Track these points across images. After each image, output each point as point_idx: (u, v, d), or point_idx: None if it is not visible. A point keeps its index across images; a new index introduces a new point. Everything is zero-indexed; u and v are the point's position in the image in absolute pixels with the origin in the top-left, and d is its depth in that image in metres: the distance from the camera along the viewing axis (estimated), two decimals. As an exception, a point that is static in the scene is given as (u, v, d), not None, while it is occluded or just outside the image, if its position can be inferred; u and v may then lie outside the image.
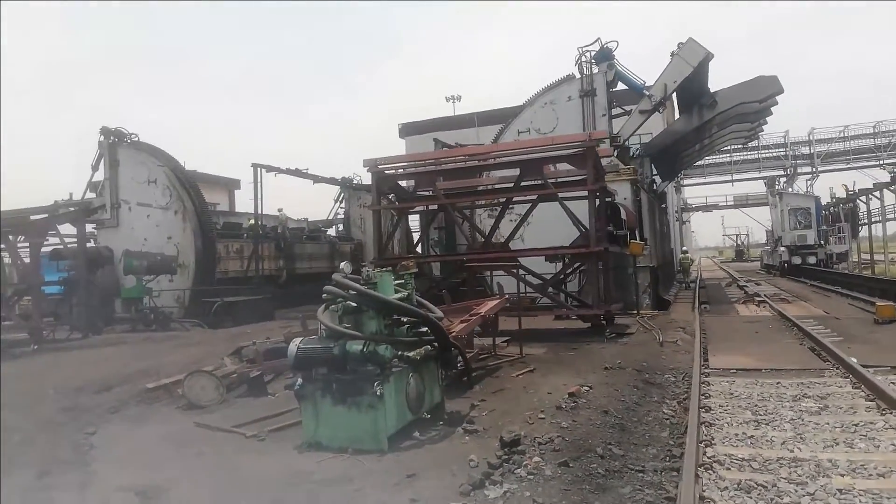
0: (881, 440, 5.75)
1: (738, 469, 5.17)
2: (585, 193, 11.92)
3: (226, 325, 19.42)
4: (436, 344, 6.23)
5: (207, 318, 19.80)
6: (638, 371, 8.61)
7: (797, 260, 31.87)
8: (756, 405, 7.17)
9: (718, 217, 78.71)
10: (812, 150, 51.21)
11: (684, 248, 33.20)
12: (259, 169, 23.37)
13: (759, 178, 53.63)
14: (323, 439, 5.79)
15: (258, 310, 21.01)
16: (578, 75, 18.01)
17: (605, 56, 17.61)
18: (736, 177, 53.19)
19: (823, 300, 19.35)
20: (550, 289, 12.54)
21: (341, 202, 37.97)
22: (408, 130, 47.40)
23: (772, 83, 19.84)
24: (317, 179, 29.00)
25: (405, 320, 6.15)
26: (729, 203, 60.39)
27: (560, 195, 12.33)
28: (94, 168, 23.37)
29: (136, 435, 6.77)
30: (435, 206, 14.01)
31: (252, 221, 31.03)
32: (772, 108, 22.30)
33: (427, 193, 13.45)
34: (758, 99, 20.14)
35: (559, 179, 12.57)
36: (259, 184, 23.40)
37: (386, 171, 13.12)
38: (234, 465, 5.56)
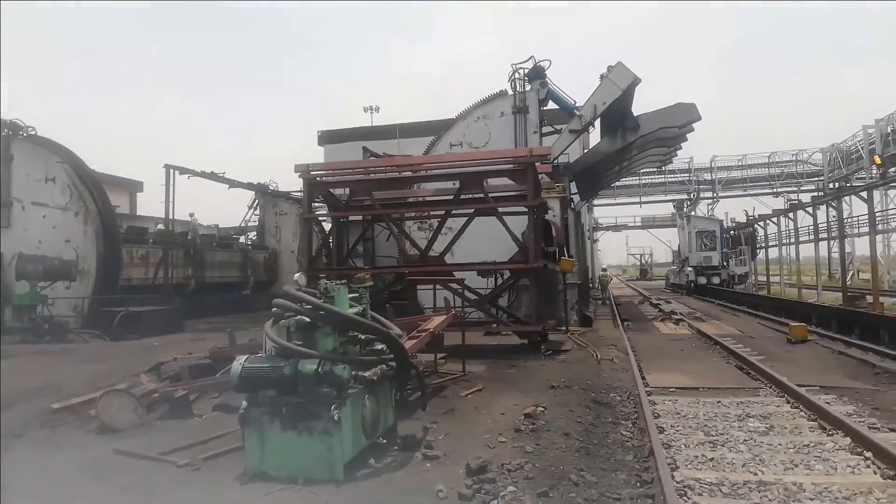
0: (836, 462, 5.81)
1: (711, 495, 5.05)
2: (523, 209, 11.85)
3: (130, 336, 18.01)
4: (393, 363, 5.80)
5: (109, 329, 18.29)
6: (584, 390, 8.49)
7: (703, 280, 33.43)
8: (705, 425, 7.16)
9: (623, 237, 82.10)
10: (714, 177, 54.22)
11: (604, 266, 34.19)
12: (171, 171, 21.97)
13: (666, 201, 56.39)
14: (269, 468, 5.22)
15: (166, 321, 19.64)
16: (511, 91, 18.10)
17: (537, 74, 17.79)
18: (644, 199, 55.56)
19: (734, 319, 20.23)
20: (487, 304, 12.32)
21: (256, 209, 36.60)
22: (328, 138, 46.34)
23: (690, 110, 20.66)
24: (232, 184, 27.76)
25: (362, 337, 5.68)
26: (637, 224, 62.99)
27: (499, 210, 12.20)
28: (-18, 163, 21.24)
29: (48, 464, 5.91)
30: (369, 217, 13.54)
31: (159, 226, 29.37)
32: (686, 135, 23.31)
33: (361, 203, 12.94)
34: (677, 125, 20.92)
35: (498, 194, 12.41)
36: (171, 186, 21.96)
37: (319, 178, 12.55)
38: (167, 500, 4.90)
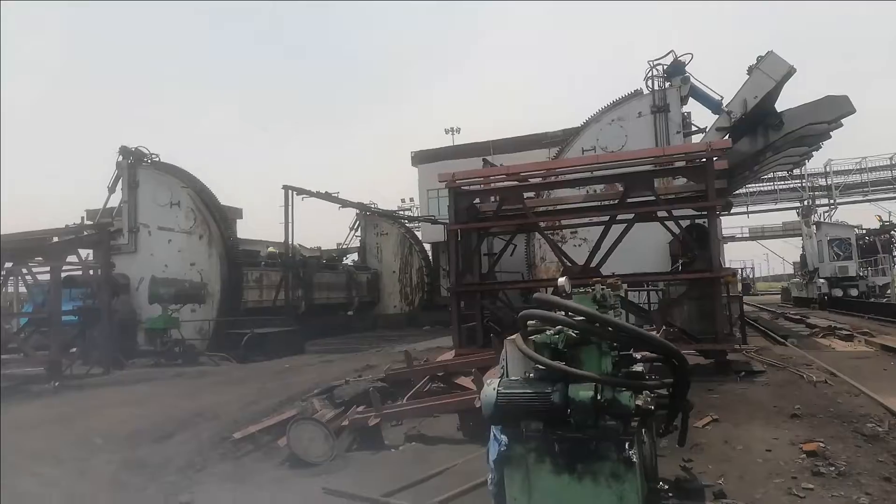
0: None
1: None
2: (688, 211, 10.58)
3: (256, 358, 17.75)
4: (672, 388, 4.68)
5: (235, 351, 18.09)
6: (832, 419, 7.06)
7: (838, 292, 30.55)
8: None
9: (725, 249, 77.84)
10: (829, 182, 50.41)
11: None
12: (290, 192, 21.85)
13: (775, 210, 52.80)
14: (539, 520, 4.20)
15: (290, 342, 19.33)
16: (646, 90, 16.85)
17: (677, 70, 16.48)
18: (751, 208, 52.23)
19: (907, 334, 17.90)
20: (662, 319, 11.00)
21: (357, 230, 36.54)
22: (421, 158, 46.03)
23: (843, 103, 18.67)
24: (344, 204, 27.54)
25: (638, 357, 4.60)
26: (744, 234, 59.38)
27: (661, 214, 10.97)
28: (111, 190, 21.83)
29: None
30: (512, 228, 12.57)
31: (270, 249, 29.59)
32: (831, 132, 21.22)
33: (508, 212, 11.95)
34: (827, 119, 18.96)
35: (670, 196, 11.18)
36: (290, 207, 21.82)
37: (465, 187, 11.69)
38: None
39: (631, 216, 11.26)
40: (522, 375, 4.84)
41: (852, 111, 18.85)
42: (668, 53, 16.37)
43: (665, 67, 16.57)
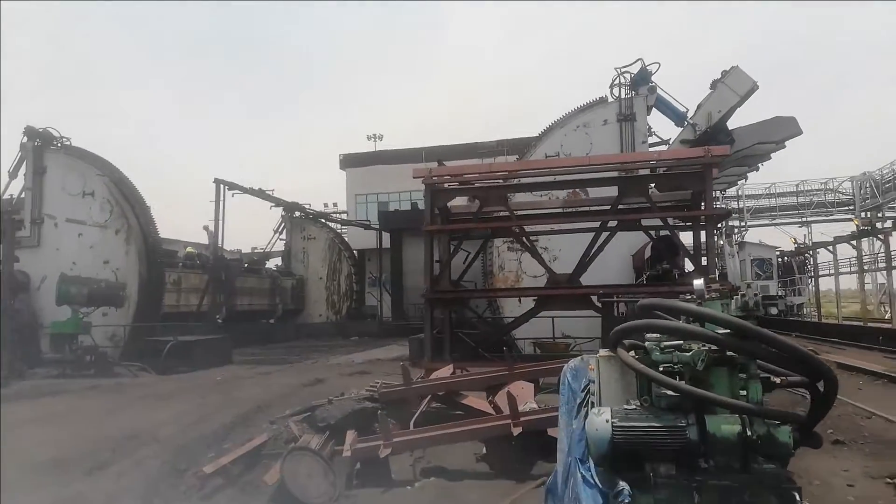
0: None
1: None
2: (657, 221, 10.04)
3: (179, 369, 15.88)
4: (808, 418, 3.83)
5: (153, 360, 16.13)
6: (877, 443, 6.52)
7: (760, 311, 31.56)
8: None
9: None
10: (742, 205, 52.82)
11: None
12: (222, 186, 19.99)
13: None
14: None
15: (216, 352, 17.51)
16: (611, 98, 16.42)
17: (644, 78, 16.15)
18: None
19: (842, 352, 18.26)
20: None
21: (282, 233, 34.57)
22: (349, 162, 44.61)
23: (791, 124, 19.08)
24: (279, 202, 25.73)
25: (778, 380, 3.72)
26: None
27: (645, 223, 10.39)
28: (13, 175, 19.23)
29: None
30: (487, 231, 11.65)
31: (188, 249, 27.31)
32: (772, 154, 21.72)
33: (488, 214, 11.01)
34: (774, 140, 19.31)
35: (665, 203, 10.60)
36: (222, 203, 19.97)
37: (443, 186, 10.68)
38: None
39: (614, 223, 10.62)
40: (622, 403, 3.85)
41: (799, 132, 19.25)
42: (636, 61, 16.07)
43: (632, 76, 16.23)
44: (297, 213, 29.44)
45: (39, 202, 18.87)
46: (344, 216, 34.04)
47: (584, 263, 10.10)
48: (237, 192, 21.60)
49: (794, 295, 33.74)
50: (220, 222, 20.44)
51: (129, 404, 10.84)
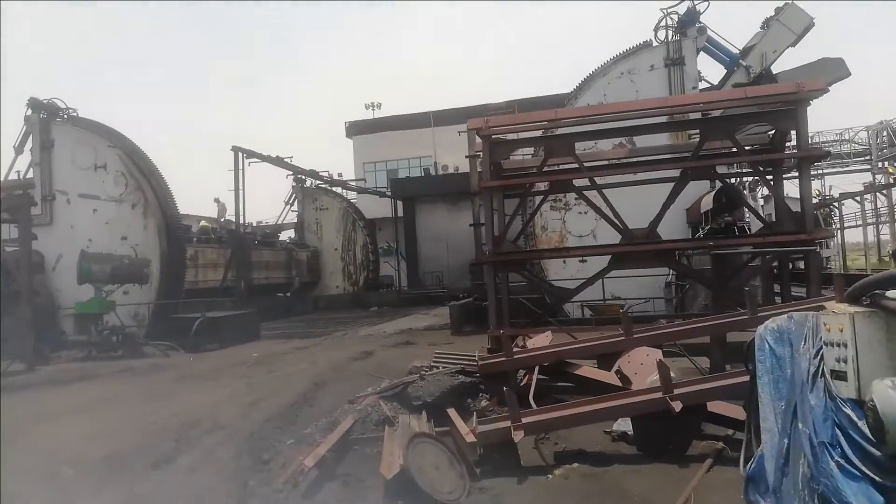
0: None
1: None
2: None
3: (209, 347, 15.15)
4: None
5: (181, 339, 15.34)
6: None
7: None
8: None
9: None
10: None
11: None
12: (240, 154, 18.96)
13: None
14: None
15: (245, 328, 16.74)
16: (656, 42, 15.32)
17: (691, 19, 15.03)
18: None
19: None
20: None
21: (293, 204, 33.61)
22: (356, 129, 43.43)
23: (838, 66, 17.91)
24: (297, 171, 24.70)
25: None
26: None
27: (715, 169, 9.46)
28: (18, 150, 18.22)
29: None
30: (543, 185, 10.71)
31: (202, 223, 26.44)
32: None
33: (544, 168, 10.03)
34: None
35: (753, 146, 9.66)
36: (241, 171, 18.96)
37: (504, 137, 9.72)
38: None
39: (677, 173, 9.67)
40: (889, 373, 2.98)
41: (847, 74, 18.14)
42: (684, 0, 14.93)
43: (679, 16, 15.11)
44: (316, 183, 28.23)
45: (49, 178, 17.90)
46: (362, 184, 32.87)
47: (659, 217, 9.19)
48: (254, 160, 20.55)
49: (822, 248, 33.01)
50: (241, 192, 19.38)
51: (170, 386, 10.07)
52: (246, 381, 9.85)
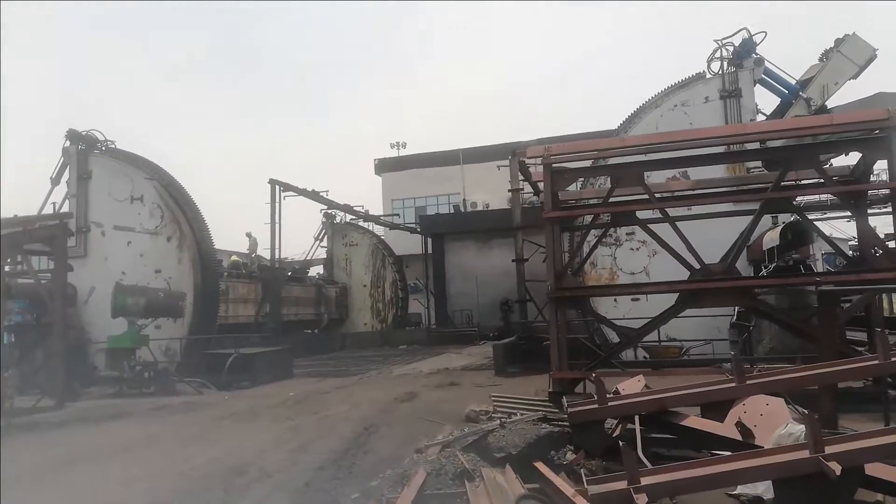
0: None
1: None
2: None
3: (241, 384, 14.57)
4: None
5: (213, 375, 14.78)
6: None
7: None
8: None
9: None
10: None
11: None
12: (277, 187, 18.66)
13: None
14: None
15: (278, 365, 16.15)
16: (709, 74, 14.82)
17: (748, 50, 14.53)
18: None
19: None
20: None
21: (322, 240, 33.33)
22: (385, 167, 43.33)
23: None
24: (332, 205, 24.37)
25: None
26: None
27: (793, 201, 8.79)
28: (55, 182, 18.10)
29: None
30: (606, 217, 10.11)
31: (233, 258, 26.12)
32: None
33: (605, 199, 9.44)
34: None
35: (837, 177, 9.03)
36: (278, 204, 18.64)
37: (566, 166, 9.18)
38: None
39: (756, 207, 9.04)
40: None
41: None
42: (739, 31, 14.43)
43: (734, 47, 14.61)
44: (348, 218, 27.90)
45: (85, 209, 17.71)
46: (396, 219, 32.50)
47: (738, 252, 8.53)
48: (290, 194, 20.25)
49: None
50: (277, 225, 19.03)
51: (208, 428, 9.45)
52: (288, 424, 9.21)
